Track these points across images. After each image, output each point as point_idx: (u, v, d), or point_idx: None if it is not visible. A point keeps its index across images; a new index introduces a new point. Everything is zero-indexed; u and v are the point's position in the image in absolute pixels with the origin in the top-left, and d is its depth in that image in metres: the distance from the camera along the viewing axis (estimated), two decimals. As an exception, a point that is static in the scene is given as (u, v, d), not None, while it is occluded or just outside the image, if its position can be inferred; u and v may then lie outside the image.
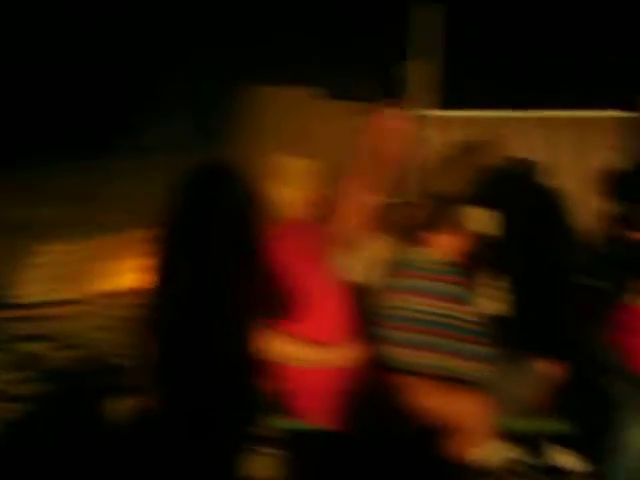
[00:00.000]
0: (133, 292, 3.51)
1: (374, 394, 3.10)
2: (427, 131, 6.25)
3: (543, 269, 4.65)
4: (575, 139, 5.69)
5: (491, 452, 3.55)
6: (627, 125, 5.43)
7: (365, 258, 3.71)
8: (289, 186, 3.19)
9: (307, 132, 5.91)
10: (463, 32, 7.37)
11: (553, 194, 5.61)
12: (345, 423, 3.06)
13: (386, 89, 6.07)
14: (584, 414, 3.33)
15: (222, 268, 2.65)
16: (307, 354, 3.01)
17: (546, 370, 3.41)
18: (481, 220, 5.03)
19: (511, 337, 3.70)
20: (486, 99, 6.27)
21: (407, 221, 3.68)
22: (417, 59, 5.72)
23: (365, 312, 3.34)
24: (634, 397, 3.11)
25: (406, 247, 3.54)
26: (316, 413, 3.10)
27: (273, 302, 2.78)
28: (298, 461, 3.41)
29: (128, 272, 6.15)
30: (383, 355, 3.25)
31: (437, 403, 3.15)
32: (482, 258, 4.65)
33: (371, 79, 8.73)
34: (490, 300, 4.54)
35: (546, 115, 5.94)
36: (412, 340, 3.27)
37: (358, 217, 3.29)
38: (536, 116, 5.93)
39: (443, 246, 3.50)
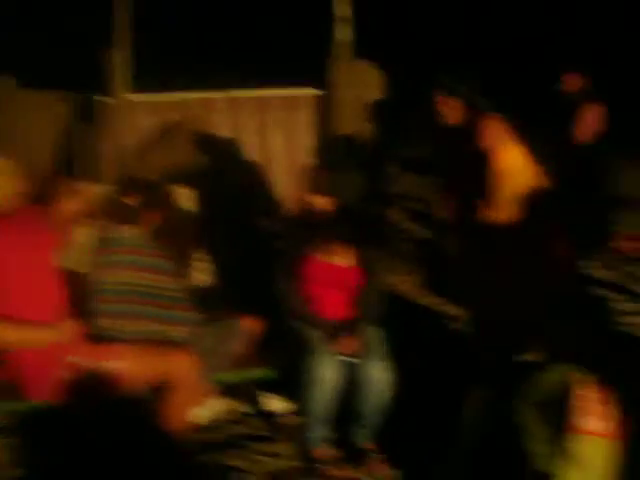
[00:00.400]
0: None
1: (90, 368, 3.25)
2: (137, 115, 6.37)
3: (242, 240, 5.07)
4: (259, 118, 6.16)
5: (209, 408, 3.90)
6: (322, 102, 5.99)
7: (79, 243, 3.81)
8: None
9: (7, 125, 5.73)
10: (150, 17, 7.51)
11: (251, 170, 6.09)
12: (66, 398, 3.19)
13: (90, 76, 6.08)
14: (284, 359, 3.78)
15: None
16: (21, 335, 3.09)
17: (248, 325, 3.79)
18: (184, 198, 5.33)
19: (216, 301, 4.06)
20: (170, 82, 6.51)
21: (115, 203, 3.80)
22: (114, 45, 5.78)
23: (78, 291, 3.46)
24: (321, 339, 3.58)
25: (113, 226, 3.66)
26: (37, 392, 3.19)
27: None
28: (23, 442, 3.50)
29: None
30: (96, 328, 3.38)
31: (148, 367, 3.33)
32: (185, 233, 4.96)
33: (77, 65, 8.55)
34: (198, 271, 4.89)
35: (241, 95, 6.30)
36: (120, 310, 3.45)
37: (73, 204, 3.43)
38: (240, 96, 6.27)
39: (147, 224, 3.70)
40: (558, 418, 2.63)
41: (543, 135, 4.88)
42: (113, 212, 3.70)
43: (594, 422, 2.60)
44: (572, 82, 4.78)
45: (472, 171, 3.96)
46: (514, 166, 3.92)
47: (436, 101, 4.01)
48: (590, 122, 4.65)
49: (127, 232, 3.63)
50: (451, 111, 4.01)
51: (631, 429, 2.66)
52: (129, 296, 3.49)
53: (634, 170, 10.16)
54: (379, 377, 3.42)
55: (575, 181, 4.68)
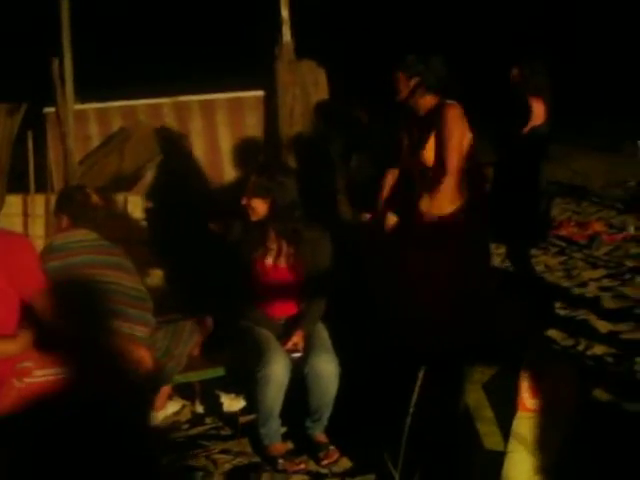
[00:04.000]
0: None
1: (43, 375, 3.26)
2: (89, 124, 6.38)
3: (192, 243, 5.13)
4: (206, 121, 6.22)
5: (165, 409, 3.96)
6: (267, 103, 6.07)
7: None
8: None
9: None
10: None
11: (200, 173, 6.14)
12: (22, 407, 3.20)
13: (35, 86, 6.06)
14: (233, 358, 3.85)
15: None
16: None
17: (200, 327, 3.85)
18: (133, 205, 5.37)
19: (168, 304, 4.11)
20: (117, 90, 6.52)
21: (71, 207, 3.78)
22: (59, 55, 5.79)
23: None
24: (270, 337, 3.66)
25: (67, 231, 3.67)
26: None
27: None
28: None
29: None
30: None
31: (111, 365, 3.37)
32: (136, 238, 5.01)
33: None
34: (150, 275, 4.93)
35: (187, 99, 6.34)
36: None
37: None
38: (186, 100, 6.31)
39: (104, 227, 3.72)
40: (504, 398, 2.72)
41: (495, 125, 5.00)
42: (69, 216, 3.69)
43: (536, 400, 2.69)
44: (517, 73, 4.85)
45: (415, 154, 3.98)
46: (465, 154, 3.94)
47: (395, 79, 3.96)
48: (536, 113, 4.72)
49: (84, 235, 3.63)
50: (406, 91, 3.96)
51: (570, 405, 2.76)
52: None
53: (581, 158, 10.48)
54: (327, 370, 3.51)
55: (519, 170, 4.78)
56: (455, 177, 3.82)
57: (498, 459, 2.66)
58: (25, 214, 5.76)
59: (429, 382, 3.25)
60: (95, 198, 3.74)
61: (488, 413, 2.77)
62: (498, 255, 6.13)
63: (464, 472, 2.79)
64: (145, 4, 12.38)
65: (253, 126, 6.11)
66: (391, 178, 4.29)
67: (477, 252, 4.06)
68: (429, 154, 3.89)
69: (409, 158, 4.04)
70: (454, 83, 3.97)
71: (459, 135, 3.82)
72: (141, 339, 3.55)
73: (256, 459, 3.59)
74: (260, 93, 6.11)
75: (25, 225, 5.72)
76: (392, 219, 4.19)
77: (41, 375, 3.19)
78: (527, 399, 2.69)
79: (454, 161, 3.80)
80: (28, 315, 3.32)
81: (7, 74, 10.63)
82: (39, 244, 5.41)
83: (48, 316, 3.21)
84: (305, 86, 5.83)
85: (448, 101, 3.89)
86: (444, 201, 3.89)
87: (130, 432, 3.39)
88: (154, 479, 3.36)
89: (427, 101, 3.93)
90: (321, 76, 5.91)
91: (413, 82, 3.90)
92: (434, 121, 3.87)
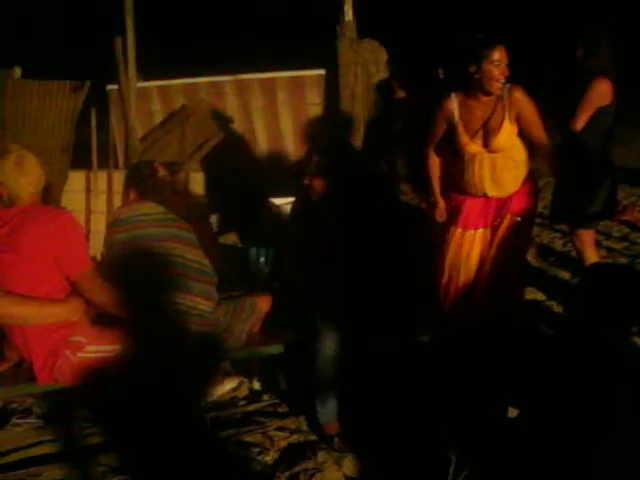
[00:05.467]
0: None
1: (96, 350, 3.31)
2: (151, 102, 6.46)
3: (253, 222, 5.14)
4: (267, 99, 6.23)
5: (222, 386, 3.99)
6: (328, 82, 6.05)
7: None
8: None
9: (15, 115, 5.81)
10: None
11: (261, 151, 6.15)
12: (76, 380, 3.26)
13: (99, 64, 6.16)
14: (291, 336, 3.85)
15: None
16: (31, 309, 3.12)
17: (260, 304, 3.86)
18: (195, 182, 5.42)
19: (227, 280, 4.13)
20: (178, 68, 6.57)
21: (138, 181, 3.82)
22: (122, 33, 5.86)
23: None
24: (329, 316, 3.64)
25: (135, 204, 3.69)
26: (46, 374, 3.22)
27: None
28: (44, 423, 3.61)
29: None
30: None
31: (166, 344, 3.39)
32: (199, 216, 5.05)
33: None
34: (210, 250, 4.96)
35: (248, 77, 6.37)
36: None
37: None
38: (247, 78, 6.34)
39: (169, 202, 3.74)
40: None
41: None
42: (137, 190, 3.72)
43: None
44: (582, 53, 4.71)
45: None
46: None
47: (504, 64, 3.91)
48: (602, 93, 4.59)
49: (151, 208, 3.65)
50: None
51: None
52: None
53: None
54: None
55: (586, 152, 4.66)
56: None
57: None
58: (88, 190, 5.86)
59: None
60: (162, 173, 3.76)
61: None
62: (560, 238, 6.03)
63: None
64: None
65: (314, 105, 6.10)
66: (435, 164, 4.27)
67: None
68: (505, 138, 3.88)
69: (476, 143, 3.99)
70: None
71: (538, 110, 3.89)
72: (204, 313, 3.56)
73: (312, 437, 3.59)
74: (321, 72, 6.09)
75: (88, 201, 5.82)
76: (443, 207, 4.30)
77: (94, 351, 3.26)
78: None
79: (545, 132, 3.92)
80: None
81: (71, 52, 10.82)
82: (101, 220, 5.53)
83: (95, 296, 3.26)
84: (366, 65, 5.80)
85: (510, 84, 3.85)
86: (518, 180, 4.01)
87: (184, 410, 3.44)
88: (206, 455, 3.40)
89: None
90: (382, 55, 5.86)
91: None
92: (504, 105, 3.84)
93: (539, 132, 3.93)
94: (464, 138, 3.98)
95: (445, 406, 3.52)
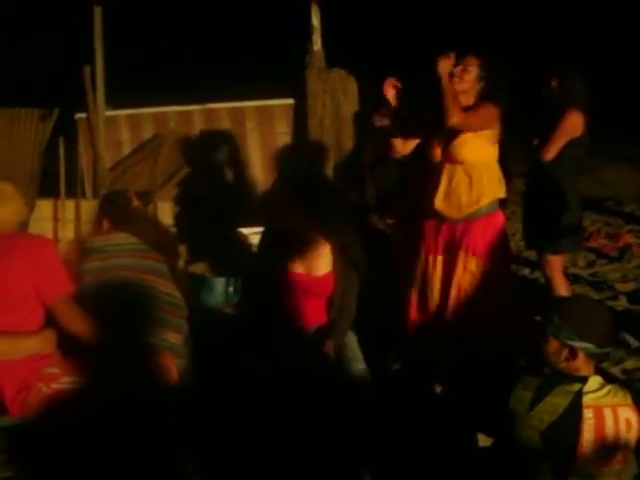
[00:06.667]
0: None
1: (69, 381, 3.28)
2: (120, 130, 6.45)
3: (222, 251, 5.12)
4: (236, 129, 6.24)
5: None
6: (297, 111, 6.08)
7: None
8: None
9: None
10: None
11: (229, 180, 6.15)
12: (48, 412, 3.21)
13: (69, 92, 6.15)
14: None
15: None
16: (6, 346, 3.08)
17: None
18: (163, 211, 5.40)
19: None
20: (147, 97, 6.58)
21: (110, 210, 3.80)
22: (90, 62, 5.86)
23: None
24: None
25: (105, 234, 3.69)
26: (17, 407, 3.14)
27: None
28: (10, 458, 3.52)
29: None
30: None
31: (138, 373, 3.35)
32: (167, 245, 5.01)
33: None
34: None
35: (217, 106, 6.40)
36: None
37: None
38: (216, 107, 6.37)
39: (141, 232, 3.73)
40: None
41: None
42: (110, 220, 3.71)
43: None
44: (556, 85, 4.79)
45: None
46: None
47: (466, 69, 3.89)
48: (575, 125, 4.66)
49: (124, 238, 3.63)
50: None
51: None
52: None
53: (611, 169, 10.36)
54: (358, 379, 3.48)
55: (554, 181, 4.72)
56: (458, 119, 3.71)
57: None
58: (55, 218, 5.81)
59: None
60: (136, 202, 3.76)
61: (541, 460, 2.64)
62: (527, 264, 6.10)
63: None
64: (175, 12, 12.46)
65: (283, 134, 6.13)
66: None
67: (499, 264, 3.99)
68: (463, 150, 3.81)
69: (439, 152, 3.95)
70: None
71: (487, 117, 3.78)
72: (174, 346, 3.53)
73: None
74: (290, 101, 6.13)
75: (55, 229, 5.77)
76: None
77: (68, 382, 3.20)
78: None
79: (466, 119, 3.72)
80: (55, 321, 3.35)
81: (39, 80, 10.79)
82: (69, 248, 5.47)
83: (71, 323, 3.21)
84: (335, 95, 5.84)
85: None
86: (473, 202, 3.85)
87: (155, 437, 3.40)
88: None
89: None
90: (351, 85, 5.92)
91: (479, 87, 3.86)
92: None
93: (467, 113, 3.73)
94: (434, 143, 3.96)
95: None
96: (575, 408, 2.40)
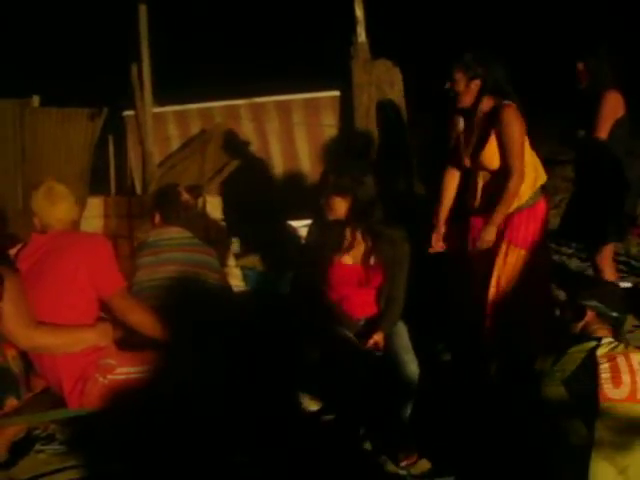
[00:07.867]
0: None
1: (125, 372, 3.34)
2: (168, 127, 6.52)
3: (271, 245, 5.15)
4: (282, 122, 6.25)
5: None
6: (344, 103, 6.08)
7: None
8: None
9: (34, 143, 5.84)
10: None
11: (277, 174, 6.16)
12: (105, 403, 3.28)
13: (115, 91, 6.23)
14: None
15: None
16: (63, 338, 3.14)
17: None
18: (212, 206, 5.44)
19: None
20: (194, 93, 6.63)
21: (163, 205, 3.88)
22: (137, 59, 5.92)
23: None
24: (351, 339, 3.66)
25: (159, 228, 3.80)
26: (75, 398, 3.23)
27: None
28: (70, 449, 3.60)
29: None
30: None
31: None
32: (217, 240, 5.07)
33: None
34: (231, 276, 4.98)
35: (263, 100, 6.41)
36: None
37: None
38: (262, 101, 6.38)
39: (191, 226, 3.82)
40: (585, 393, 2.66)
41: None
42: (162, 214, 3.80)
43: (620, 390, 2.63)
44: (582, 69, 4.67)
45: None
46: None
47: (454, 80, 3.83)
48: (615, 106, 4.54)
49: (176, 232, 3.73)
50: (466, 92, 3.83)
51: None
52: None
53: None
54: (408, 370, 3.47)
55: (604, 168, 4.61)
56: (521, 178, 3.73)
57: (585, 454, 2.57)
58: (106, 216, 5.89)
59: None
60: (186, 197, 3.83)
61: (571, 409, 2.70)
62: (579, 256, 6.00)
63: (550, 470, 2.72)
64: (220, 7, 12.52)
65: (329, 126, 6.12)
66: (447, 183, 4.16)
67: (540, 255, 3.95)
68: (489, 156, 3.80)
69: (468, 160, 3.92)
70: (510, 84, 3.83)
71: (520, 136, 3.72)
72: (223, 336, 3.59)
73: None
74: (336, 93, 6.12)
75: (106, 226, 5.85)
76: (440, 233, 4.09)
77: (124, 373, 3.28)
78: (609, 389, 2.62)
79: (519, 163, 3.70)
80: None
81: (88, 79, 10.95)
82: (122, 244, 5.56)
83: (128, 315, 3.31)
84: (381, 86, 5.81)
85: (505, 102, 3.77)
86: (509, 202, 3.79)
87: (204, 428, 3.44)
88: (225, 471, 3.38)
89: (485, 103, 3.83)
90: (396, 76, 5.88)
91: (474, 85, 3.78)
92: (494, 123, 3.76)
93: (508, 160, 3.70)
94: (462, 152, 3.94)
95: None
96: (591, 357, 2.71)
